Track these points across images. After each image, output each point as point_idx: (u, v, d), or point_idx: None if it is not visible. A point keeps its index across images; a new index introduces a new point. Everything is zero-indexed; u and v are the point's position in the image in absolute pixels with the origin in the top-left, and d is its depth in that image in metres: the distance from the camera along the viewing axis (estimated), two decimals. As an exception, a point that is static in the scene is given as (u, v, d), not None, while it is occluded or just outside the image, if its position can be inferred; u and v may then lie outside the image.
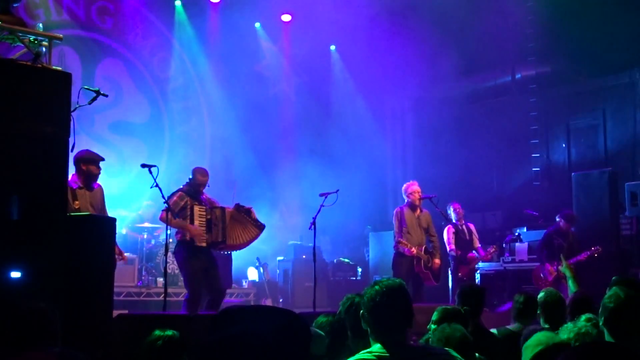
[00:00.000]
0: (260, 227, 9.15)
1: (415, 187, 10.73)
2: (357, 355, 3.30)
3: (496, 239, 14.03)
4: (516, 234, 13.27)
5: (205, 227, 8.73)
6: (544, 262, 11.38)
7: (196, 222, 8.69)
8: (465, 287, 6.25)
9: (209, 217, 8.76)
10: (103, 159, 8.16)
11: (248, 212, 9.09)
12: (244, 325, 1.97)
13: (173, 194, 8.83)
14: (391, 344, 3.29)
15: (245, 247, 9.34)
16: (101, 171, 8.17)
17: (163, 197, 8.27)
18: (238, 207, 9.08)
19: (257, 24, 16.06)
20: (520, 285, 12.13)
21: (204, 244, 8.69)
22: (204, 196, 9.04)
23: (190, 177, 8.98)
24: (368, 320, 3.40)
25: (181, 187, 8.98)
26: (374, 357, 3.27)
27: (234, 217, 9.02)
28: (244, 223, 9.07)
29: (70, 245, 6.01)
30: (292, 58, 16.34)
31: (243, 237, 9.09)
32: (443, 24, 14.47)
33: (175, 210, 8.63)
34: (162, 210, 8.39)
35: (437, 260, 10.61)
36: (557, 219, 11.41)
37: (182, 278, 12.06)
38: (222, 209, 8.94)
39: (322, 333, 4.08)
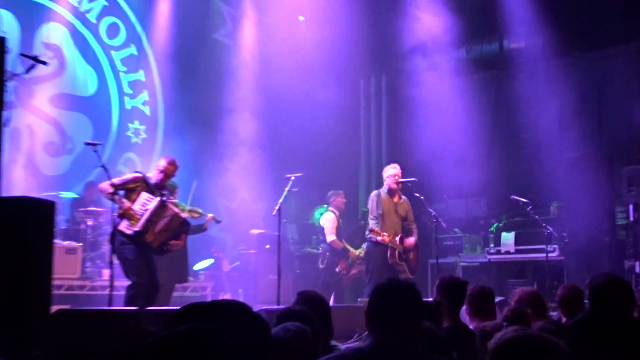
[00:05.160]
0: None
1: (394, 170, 10.65)
2: (343, 350, 3.31)
3: (480, 227, 14.01)
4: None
5: (139, 215, 8.80)
6: None
7: (136, 207, 8.81)
8: (444, 279, 6.15)
9: (147, 207, 8.82)
10: None
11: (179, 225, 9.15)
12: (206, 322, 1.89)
13: (130, 173, 9.24)
14: (382, 344, 3.15)
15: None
16: None
17: (109, 177, 8.21)
18: (176, 216, 9.07)
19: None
20: (506, 278, 12.14)
21: (128, 232, 8.74)
22: (166, 191, 9.24)
23: (161, 165, 9.12)
24: (367, 318, 3.28)
25: (147, 175, 9.18)
26: (355, 353, 3.19)
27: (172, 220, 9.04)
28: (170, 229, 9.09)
29: (2, 231, 5.85)
30: (257, 25, 16.09)
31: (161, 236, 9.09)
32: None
33: (119, 187, 8.79)
34: (108, 184, 8.46)
35: (409, 240, 10.67)
36: None
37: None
38: (162, 202, 8.93)
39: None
